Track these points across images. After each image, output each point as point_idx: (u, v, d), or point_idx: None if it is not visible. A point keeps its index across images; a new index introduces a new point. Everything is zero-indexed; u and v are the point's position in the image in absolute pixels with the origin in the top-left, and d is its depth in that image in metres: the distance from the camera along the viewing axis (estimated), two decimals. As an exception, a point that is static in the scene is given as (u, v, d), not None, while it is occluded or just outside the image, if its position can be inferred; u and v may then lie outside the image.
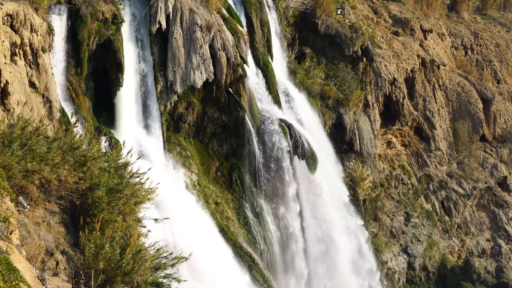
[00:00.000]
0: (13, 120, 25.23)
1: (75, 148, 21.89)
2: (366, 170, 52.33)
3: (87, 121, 34.93)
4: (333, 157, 50.17)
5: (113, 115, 38.66)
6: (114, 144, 34.65)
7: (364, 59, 53.65)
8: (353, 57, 53.20)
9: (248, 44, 44.57)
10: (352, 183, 51.04)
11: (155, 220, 23.44)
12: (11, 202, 17.67)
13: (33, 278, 16.36)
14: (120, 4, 38.81)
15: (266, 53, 47.43)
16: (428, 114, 59.85)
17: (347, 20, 55.05)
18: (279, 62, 50.07)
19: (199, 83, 41.13)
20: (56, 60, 35.18)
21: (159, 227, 25.40)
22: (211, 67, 41.39)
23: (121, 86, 38.22)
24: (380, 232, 54.14)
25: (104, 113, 38.61)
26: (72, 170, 21.10)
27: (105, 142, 34.75)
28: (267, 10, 49.05)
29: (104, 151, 26.29)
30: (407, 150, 59.70)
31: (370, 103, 54.15)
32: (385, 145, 58.15)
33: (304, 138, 45.24)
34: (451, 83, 64.01)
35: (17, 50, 30.28)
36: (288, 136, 44.45)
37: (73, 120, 27.18)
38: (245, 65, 43.45)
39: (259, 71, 46.75)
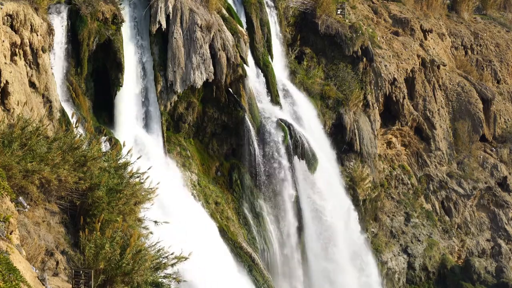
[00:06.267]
0: (13, 120, 25.21)
1: (75, 148, 21.89)
2: (366, 170, 52.33)
3: (87, 121, 34.87)
4: (333, 157, 50.16)
5: (113, 115, 38.67)
6: (114, 144, 34.64)
7: (364, 59, 53.63)
8: (353, 57, 53.18)
9: (248, 44, 44.57)
10: (352, 183, 51.04)
11: (155, 222, 23.47)
12: (11, 202, 17.67)
13: (33, 278, 16.36)
14: (120, 4, 38.82)
15: (266, 53, 47.41)
16: (428, 114, 59.82)
17: (347, 20, 55.03)
18: (279, 62, 50.06)
19: (199, 83, 41.13)
20: (56, 60, 35.18)
21: (159, 228, 25.41)
22: (211, 67, 41.38)
23: (121, 86, 38.24)
24: (380, 232, 54.12)
25: (104, 113, 38.62)
26: (72, 170, 21.10)
27: (105, 142, 34.73)
28: (267, 10, 49.03)
29: (104, 151, 26.27)
30: (407, 150, 59.68)
31: (370, 103, 54.13)
32: (385, 145, 58.13)
33: (304, 138, 45.24)
34: (451, 83, 63.99)
35: (17, 50, 30.28)
36: (288, 136, 44.46)
37: (73, 120, 27.17)
38: (245, 65, 43.45)
39: (259, 71, 46.74)
